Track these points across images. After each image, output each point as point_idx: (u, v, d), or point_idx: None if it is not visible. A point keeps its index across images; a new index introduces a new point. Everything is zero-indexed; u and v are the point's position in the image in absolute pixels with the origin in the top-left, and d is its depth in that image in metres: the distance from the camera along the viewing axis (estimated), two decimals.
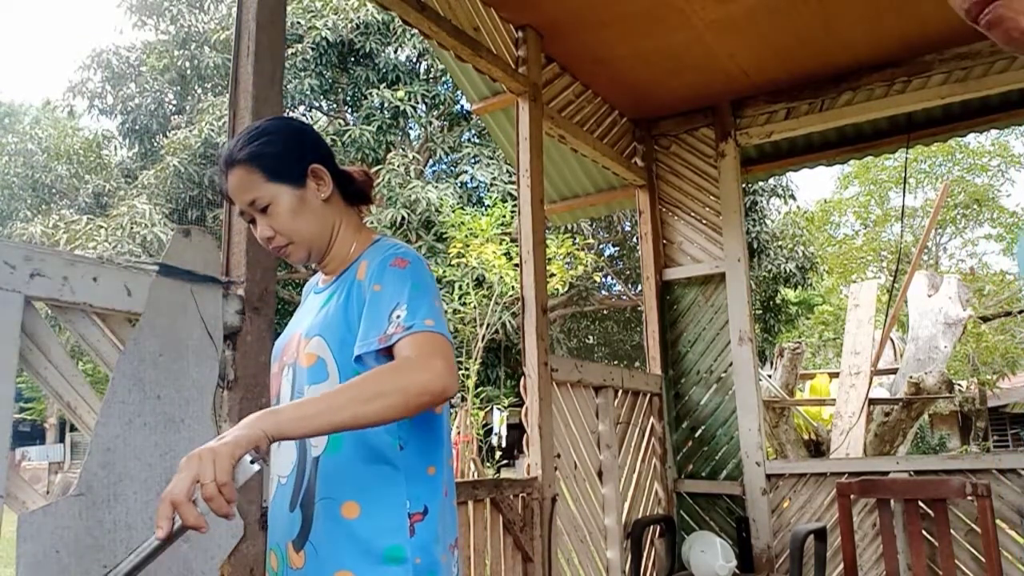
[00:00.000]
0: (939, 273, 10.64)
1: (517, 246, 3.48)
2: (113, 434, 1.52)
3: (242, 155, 1.30)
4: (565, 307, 14.73)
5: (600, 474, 3.44)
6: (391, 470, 1.23)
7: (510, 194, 12.13)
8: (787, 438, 6.42)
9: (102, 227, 12.11)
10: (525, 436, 3.05)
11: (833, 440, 6.24)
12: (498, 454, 11.30)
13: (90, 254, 9.60)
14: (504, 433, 11.50)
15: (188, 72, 15.36)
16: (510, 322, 10.99)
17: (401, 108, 13.34)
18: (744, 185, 5.36)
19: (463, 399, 9.07)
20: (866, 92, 3.83)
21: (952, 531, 3.20)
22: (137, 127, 15.98)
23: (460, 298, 9.92)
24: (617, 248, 15.65)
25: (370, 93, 13.65)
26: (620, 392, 3.69)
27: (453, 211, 11.41)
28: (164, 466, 1.59)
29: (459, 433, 8.68)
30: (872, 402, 6.30)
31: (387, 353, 1.20)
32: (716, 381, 4.03)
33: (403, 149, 13.61)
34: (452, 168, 14.81)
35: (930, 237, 17.83)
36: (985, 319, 13.91)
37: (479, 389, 10.68)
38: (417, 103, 13.70)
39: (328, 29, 13.44)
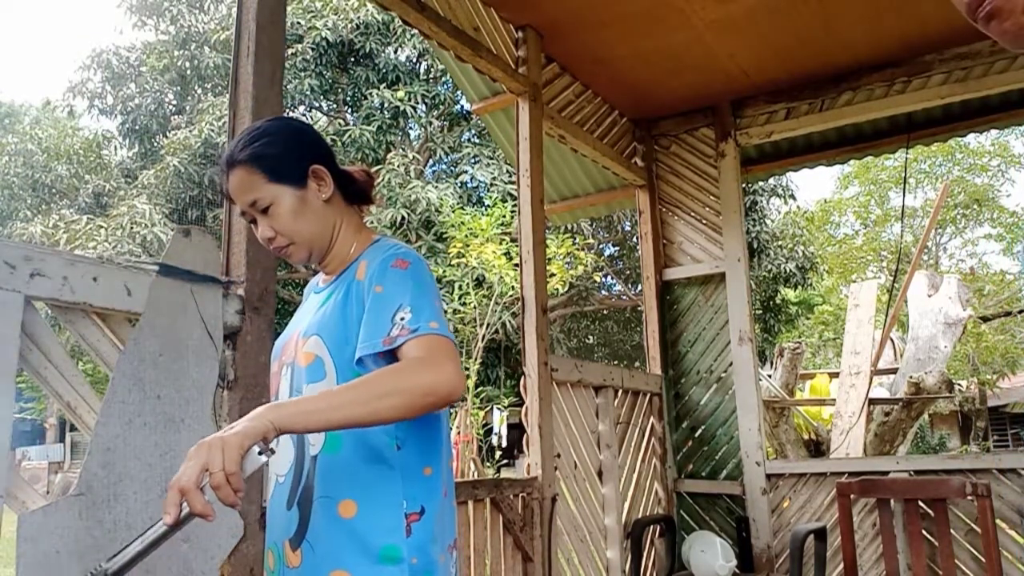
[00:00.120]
0: (939, 273, 10.64)
1: (517, 246, 3.48)
2: (113, 434, 1.52)
3: (243, 156, 1.30)
4: (565, 307, 14.73)
5: (600, 474, 3.44)
6: (388, 470, 1.23)
7: (510, 194, 12.14)
8: (787, 438, 6.42)
9: (102, 227, 12.11)
10: (525, 436, 3.05)
11: (833, 440, 6.24)
12: (498, 454, 11.31)
13: (90, 254, 9.61)
14: (504, 433, 11.50)
15: (188, 72, 15.36)
16: (510, 322, 11.00)
17: (401, 108, 13.34)
18: (744, 185, 5.36)
19: (463, 399, 9.07)
20: (866, 92, 3.83)
21: (952, 531, 3.20)
22: (137, 127, 15.98)
23: (460, 298, 9.92)
24: (617, 248, 15.65)
25: (370, 93, 13.65)
26: (620, 392, 3.69)
27: (453, 211, 11.41)
28: (164, 466, 1.59)
29: (459, 433, 8.68)
30: (872, 402, 6.30)
31: (387, 356, 1.20)
32: (716, 381, 4.03)
33: (403, 149, 13.61)
34: (452, 168, 14.81)
35: (930, 237, 17.84)
36: (985, 319, 13.91)
37: (479, 389, 10.69)
38: (417, 103, 13.70)
39: (328, 29, 13.44)
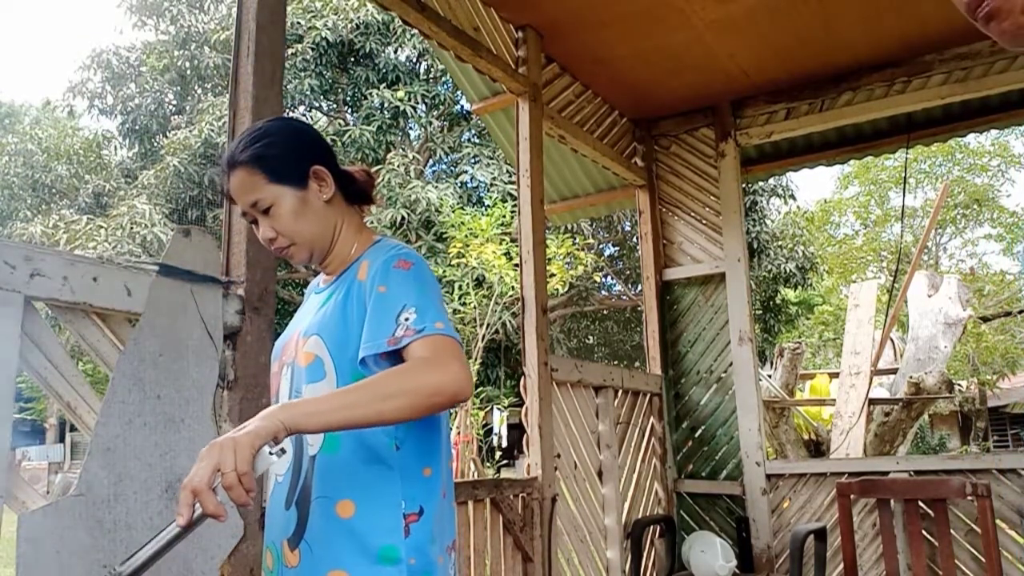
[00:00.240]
0: (939, 273, 10.64)
1: (517, 246, 3.48)
2: (113, 434, 1.52)
3: (244, 156, 1.30)
4: (565, 307, 14.72)
5: (600, 474, 3.44)
6: (387, 470, 1.23)
7: (510, 194, 12.14)
8: (787, 438, 6.42)
9: (102, 227, 12.11)
10: (525, 436, 3.05)
11: (833, 440, 6.24)
12: (498, 454, 11.30)
13: (90, 254, 9.61)
14: (504, 433, 11.49)
15: (188, 72, 15.35)
16: (510, 322, 10.99)
17: (401, 108, 13.34)
18: (744, 185, 5.36)
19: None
20: (866, 92, 3.83)
21: (952, 531, 3.20)
22: (137, 127, 15.98)
23: (460, 298, 9.92)
24: (617, 248, 15.65)
25: (370, 93, 13.65)
26: (620, 392, 3.69)
27: (453, 211, 11.41)
28: (164, 466, 1.59)
29: (459, 433, 8.67)
30: (872, 402, 6.30)
31: (390, 356, 1.20)
32: (716, 381, 4.03)
33: (403, 149, 13.61)
34: (452, 168, 14.81)
35: (930, 237, 17.84)
36: (985, 319, 13.91)
37: (479, 389, 10.68)
38: (417, 103, 13.70)
39: (328, 29, 13.44)
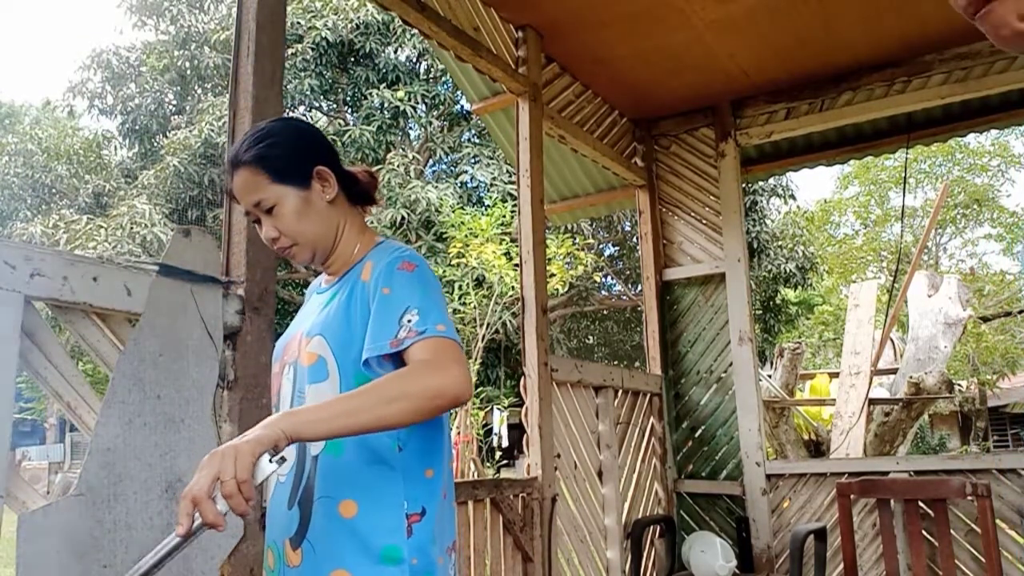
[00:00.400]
0: (939, 273, 10.64)
1: (517, 246, 3.48)
2: (113, 434, 1.52)
3: (248, 156, 1.31)
4: (565, 307, 14.72)
5: (600, 474, 3.44)
6: (389, 471, 1.23)
7: (510, 194, 12.13)
8: (787, 438, 6.42)
9: (102, 227, 12.10)
10: (525, 436, 3.05)
11: (833, 440, 6.24)
12: (498, 454, 11.29)
13: (90, 254, 9.61)
14: (504, 433, 11.48)
15: (188, 72, 15.35)
16: (510, 322, 10.99)
17: (401, 108, 13.33)
18: (744, 185, 5.36)
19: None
20: (866, 92, 3.83)
21: (952, 531, 3.20)
22: (137, 127, 15.97)
23: (460, 298, 9.91)
24: (617, 248, 15.64)
25: (370, 93, 13.65)
26: (620, 392, 3.69)
27: (453, 211, 11.41)
28: (164, 466, 1.59)
29: (459, 433, 8.67)
30: (872, 402, 6.30)
31: (393, 358, 1.21)
32: (716, 381, 4.03)
33: (403, 149, 13.61)
34: (452, 168, 14.81)
35: (930, 237, 17.84)
36: (985, 319, 13.91)
37: (479, 389, 10.68)
38: (417, 103, 13.70)
39: (328, 29, 13.43)
